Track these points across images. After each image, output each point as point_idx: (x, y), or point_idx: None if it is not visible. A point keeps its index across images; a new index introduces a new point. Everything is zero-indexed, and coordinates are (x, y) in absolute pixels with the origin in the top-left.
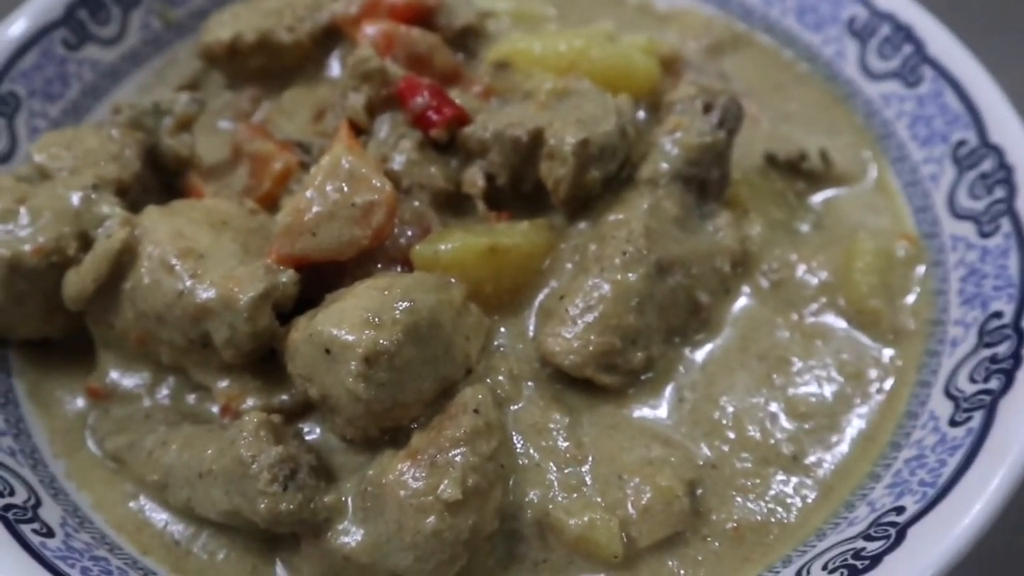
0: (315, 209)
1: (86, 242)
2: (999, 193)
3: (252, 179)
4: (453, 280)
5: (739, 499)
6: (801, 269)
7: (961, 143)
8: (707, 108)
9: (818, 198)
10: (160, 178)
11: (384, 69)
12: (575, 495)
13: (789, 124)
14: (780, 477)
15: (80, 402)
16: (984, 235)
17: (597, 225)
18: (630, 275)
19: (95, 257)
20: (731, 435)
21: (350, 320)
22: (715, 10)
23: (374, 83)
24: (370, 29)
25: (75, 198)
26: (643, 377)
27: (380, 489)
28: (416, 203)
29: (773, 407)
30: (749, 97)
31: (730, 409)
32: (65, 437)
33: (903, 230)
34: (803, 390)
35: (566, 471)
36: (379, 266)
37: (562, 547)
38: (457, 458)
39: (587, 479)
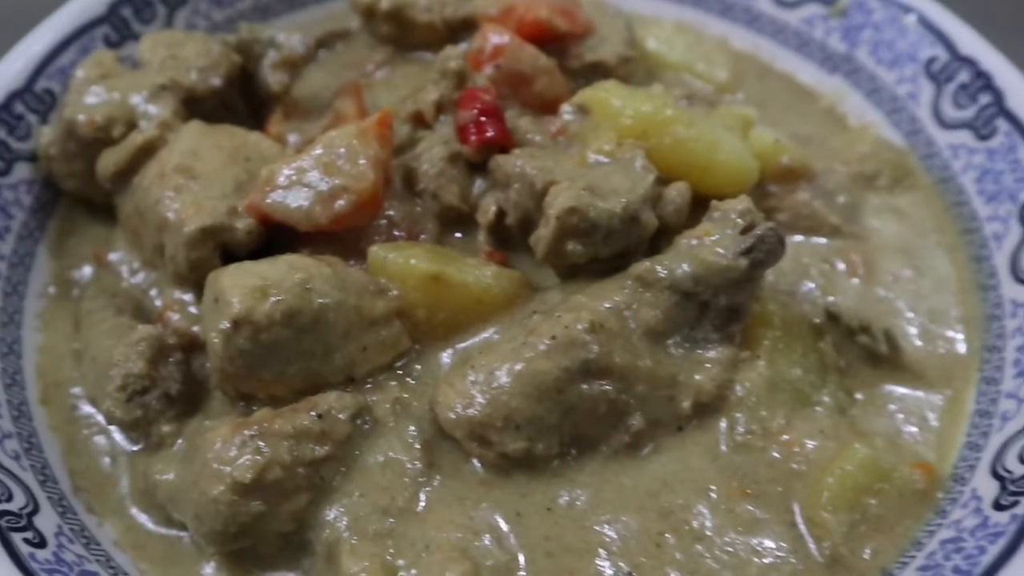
0: (294, 172)
1: (132, 129)
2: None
3: (325, 131)
4: (394, 292)
5: None
6: (779, 447)
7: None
8: (747, 229)
9: (872, 387)
10: (251, 103)
11: (462, 72)
12: (371, 542)
13: (896, 292)
14: None
15: (88, 269)
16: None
17: (566, 297)
18: (546, 363)
19: (123, 146)
20: (572, 564)
21: (246, 280)
22: (902, 139)
23: (449, 83)
24: (492, 34)
25: (142, 91)
26: (522, 467)
27: (201, 441)
28: (418, 208)
29: (636, 566)
30: (867, 245)
31: (591, 541)
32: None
33: (929, 460)
34: (686, 567)
35: (381, 516)
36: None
37: None
38: (269, 448)
39: (394, 533)
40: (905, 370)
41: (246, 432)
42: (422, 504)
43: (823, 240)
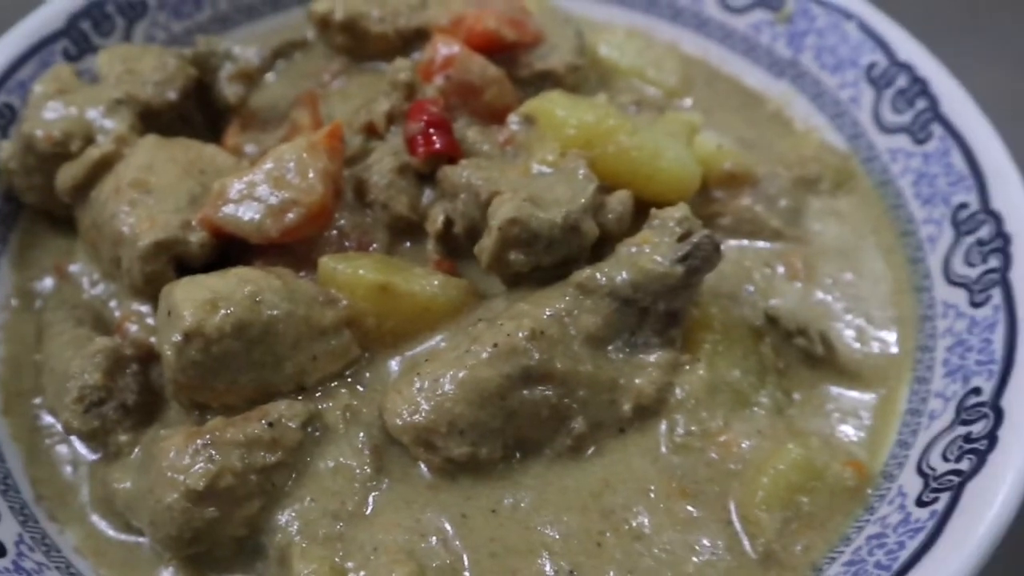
0: (245, 186)
1: (89, 144)
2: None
3: (281, 142)
4: (344, 302)
5: None
6: (716, 447)
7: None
8: (684, 236)
9: (810, 388)
10: (208, 115)
11: (412, 84)
12: (321, 545)
13: (834, 295)
14: None
15: (49, 280)
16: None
17: (509, 305)
18: (488, 370)
19: (80, 160)
20: (515, 564)
21: (197, 294)
22: (844, 143)
23: (399, 94)
24: (442, 45)
25: (99, 106)
26: (467, 471)
27: (156, 450)
28: (368, 219)
29: (577, 565)
30: (808, 248)
31: (534, 542)
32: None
33: (861, 458)
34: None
35: (332, 520)
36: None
37: None
38: (221, 456)
39: (344, 536)
40: (841, 371)
41: (199, 441)
42: (371, 508)
43: (765, 244)
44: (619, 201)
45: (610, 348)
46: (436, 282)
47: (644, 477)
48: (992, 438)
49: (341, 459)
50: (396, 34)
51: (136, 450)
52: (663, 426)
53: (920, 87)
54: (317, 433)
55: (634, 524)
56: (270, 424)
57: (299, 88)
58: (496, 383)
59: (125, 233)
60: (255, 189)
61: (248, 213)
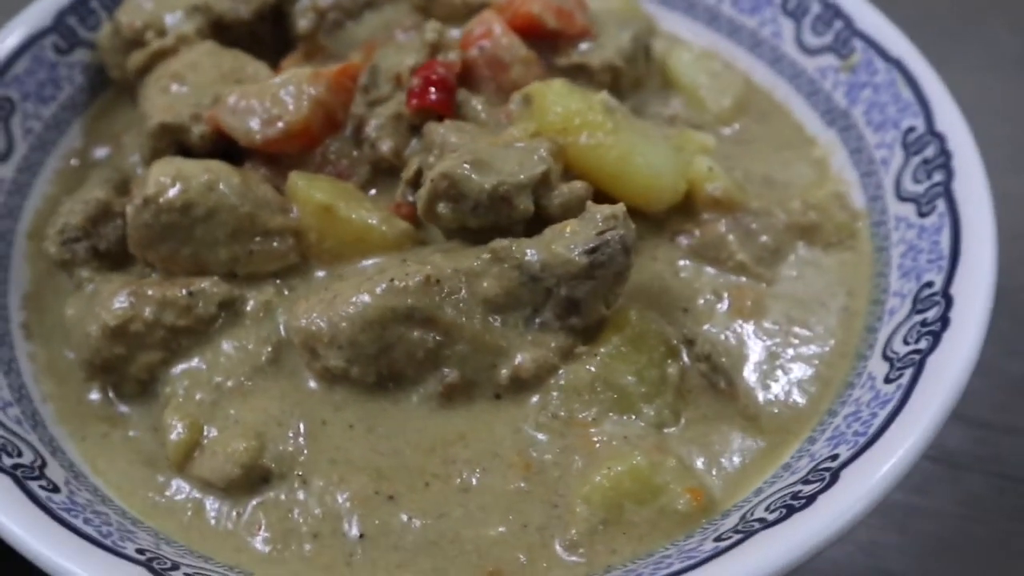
0: (250, 96)
1: (160, 37)
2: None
3: None
4: (295, 213)
5: None
6: (577, 437)
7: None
8: (602, 232)
9: (703, 416)
10: (279, 40)
11: (437, 44)
12: (195, 405)
13: (771, 339)
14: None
15: (107, 149)
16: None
17: (430, 253)
18: (377, 300)
19: (146, 48)
20: (345, 474)
21: (166, 169)
22: (864, 203)
23: (425, 52)
24: (485, 19)
25: (178, 10)
26: (345, 385)
27: (101, 289)
28: (356, 153)
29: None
30: (768, 289)
31: (372, 462)
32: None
33: (706, 489)
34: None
35: (212, 389)
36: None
37: None
38: (138, 306)
39: (216, 404)
40: (742, 411)
41: (127, 290)
42: (250, 390)
43: (726, 274)
44: (570, 190)
45: (507, 318)
46: (376, 217)
47: (499, 442)
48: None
49: (243, 343)
50: (462, 3)
51: (92, 286)
52: (535, 402)
53: (942, 160)
54: (233, 315)
55: (466, 477)
56: (190, 293)
57: (374, 36)
58: (380, 313)
59: (146, 111)
60: (255, 100)
61: (242, 118)
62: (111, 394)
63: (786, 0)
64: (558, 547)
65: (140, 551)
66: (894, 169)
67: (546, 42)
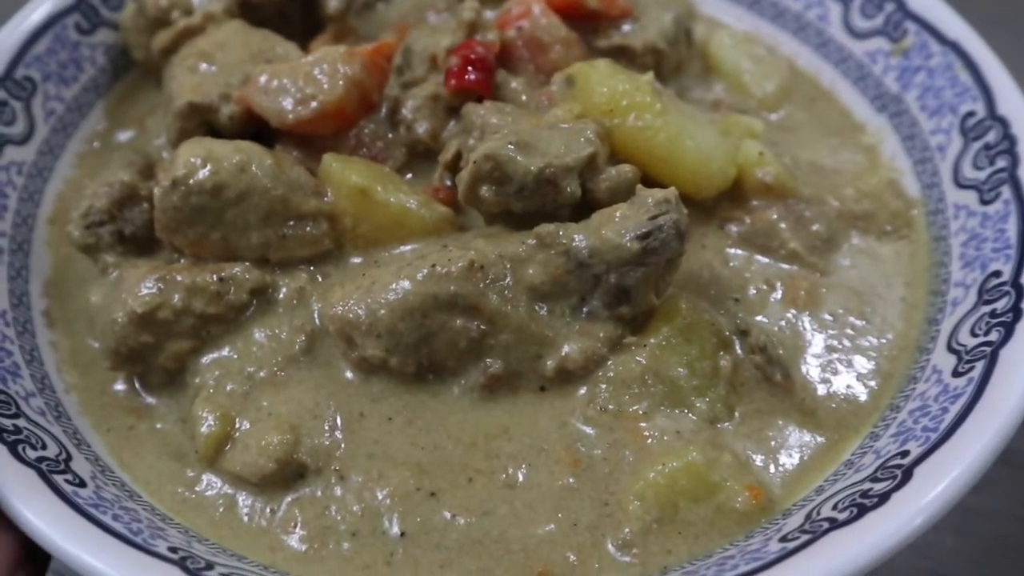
0: (282, 75)
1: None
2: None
3: None
4: (330, 197)
5: None
6: (627, 431)
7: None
8: (656, 217)
9: (759, 410)
10: (309, 20)
11: (474, 24)
12: (226, 396)
13: (828, 332)
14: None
15: (130, 133)
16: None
17: (473, 238)
18: (418, 287)
19: (172, 27)
20: (384, 469)
21: (196, 150)
22: (918, 191)
23: (462, 32)
24: (535, 1)
25: None
26: (382, 376)
27: (126, 274)
28: (392, 136)
29: (439, 490)
30: (823, 279)
31: (412, 457)
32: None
33: (766, 487)
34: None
35: (244, 379)
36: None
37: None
38: (166, 292)
39: (248, 396)
40: (799, 406)
41: (155, 275)
42: (283, 380)
43: (778, 263)
44: (619, 173)
45: (555, 306)
46: (414, 201)
47: (544, 436)
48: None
49: (276, 331)
50: None
51: (116, 272)
52: (582, 394)
53: (1007, 144)
54: (265, 302)
55: (511, 473)
56: (220, 279)
57: (405, 18)
58: (421, 300)
59: (173, 91)
60: (288, 79)
61: (275, 98)
62: (137, 385)
63: None
64: (610, 546)
65: (172, 549)
66: (952, 156)
67: (586, 23)
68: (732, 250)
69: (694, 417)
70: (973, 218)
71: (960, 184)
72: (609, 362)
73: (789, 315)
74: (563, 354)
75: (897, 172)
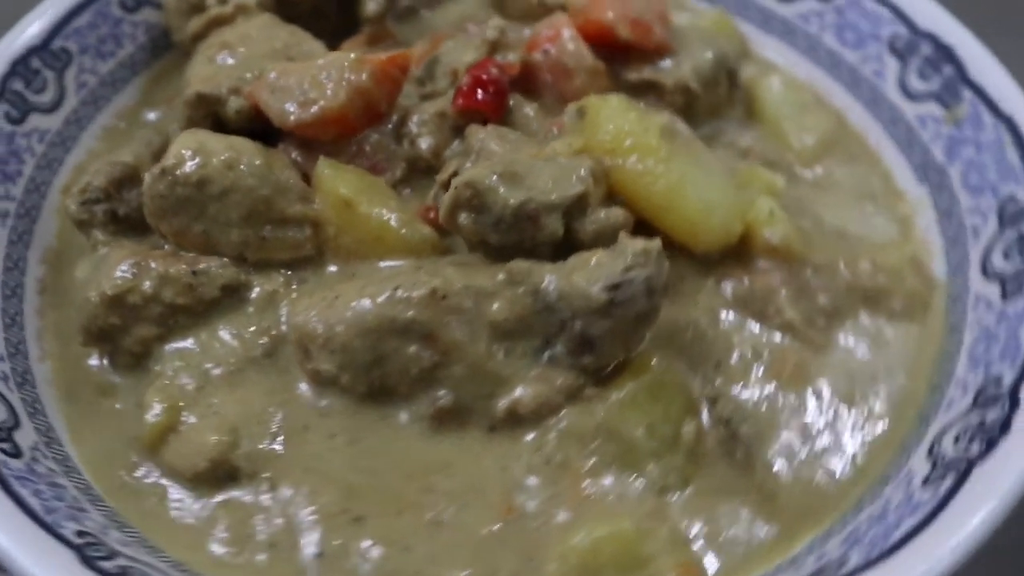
0: (291, 76)
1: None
2: None
3: None
4: (317, 204)
5: None
6: (568, 488)
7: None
8: (629, 269)
9: (714, 486)
10: (346, 19)
11: (496, 43)
12: (178, 389)
13: (808, 413)
14: None
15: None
16: (1006, 298)
17: (447, 264)
18: (378, 308)
19: (204, 15)
20: (316, 485)
21: (189, 142)
22: (945, 273)
23: (483, 50)
24: (555, 22)
25: None
26: (336, 393)
27: (111, 253)
28: (394, 148)
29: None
30: (815, 355)
31: (346, 479)
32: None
33: (699, 567)
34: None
35: (200, 375)
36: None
37: None
38: (138, 276)
39: (200, 391)
40: (758, 487)
41: (131, 259)
42: (238, 381)
43: (771, 331)
44: (608, 216)
45: (516, 346)
46: (398, 219)
47: (484, 478)
48: (1005, 424)
49: (241, 330)
50: (538, 2)
51: (104, 250)
52: (530, 439)
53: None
54: (235, 300)
55: (440, 511)
56: (194, 272)
57: (447, 27)
58: (378, 321)
59: (188, 78)
60: (295, 80)
61: (279, 98)
62: (107, 363)
63: (895, 38)
64: None
65: (81, 533)
66: (985, 240)
67: (619, 54)
68: (724, 311)
69: (643, 482)
70: (990, 313)
71: (986, 273)
72: (564, 411)
73: (770, 389)
74: (516, 396)
75: (926, 249)
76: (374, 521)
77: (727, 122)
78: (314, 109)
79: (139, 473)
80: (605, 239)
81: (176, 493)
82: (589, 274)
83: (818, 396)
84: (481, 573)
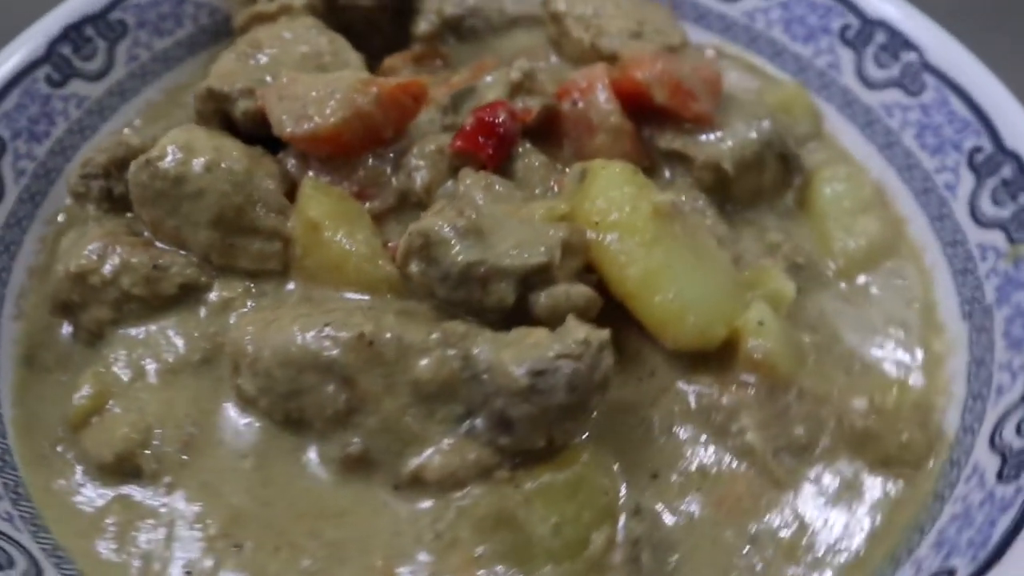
0: (299, 87)
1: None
2: None
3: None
4: (292, 222)
5: None
6: (447, 566)
7: (976, 150)
8: (559, 357)
9: None
10: (399, 31)
11: (519, 85)
12: (111, 382)
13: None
14: None
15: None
16: (1000, 479)
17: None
18: (305, 341)
19: (249, 10)
20: (208, 503)
21: (179, 138)
22: (956, 429)
23: (505, 90)
24: (589, 74)
25: None
26: (254, 413)
27: (91, 229)
28: (390, 175)
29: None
30: (776, 487)
31: (237, 504)
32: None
33: None
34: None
35: (135, 372)
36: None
37: None
38: (99, 259)
39: (130, 387)
40: None
41: (101, 242)
42: (170, 380)
43: (726, 453)
44: (569, 295)
45: (436, 410)
46: (362, 251)
47: (373, 537)
48: None
49: (188, 331)
50: (592, 47)
51: (90, 225)
52: (428, 508)
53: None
54: (190, 301)
55: (318, 560)
56: (155, 266)
57: (509, 55)
58: (301, 354)
59: (210, 70)
60: (301, 91)
61: (282, 107)
62: (71, 334)
63: (977, 150)
64: None
65: None
66: (1004, 404)
67: (656, 117)
68: (682, 420)
69: None
70: (980, 491)
71: (993, 444)
72: (469, 488)
73: (704, 517)
74: (424, 460)
75: (943, 399)
76: (250, 553)
77: (769, 210)
78: (308, 125)
79: (59, 448)
80: (559, 318)
81: (81, 476)
82: (521, 353)
83: (755, 540)
84: None
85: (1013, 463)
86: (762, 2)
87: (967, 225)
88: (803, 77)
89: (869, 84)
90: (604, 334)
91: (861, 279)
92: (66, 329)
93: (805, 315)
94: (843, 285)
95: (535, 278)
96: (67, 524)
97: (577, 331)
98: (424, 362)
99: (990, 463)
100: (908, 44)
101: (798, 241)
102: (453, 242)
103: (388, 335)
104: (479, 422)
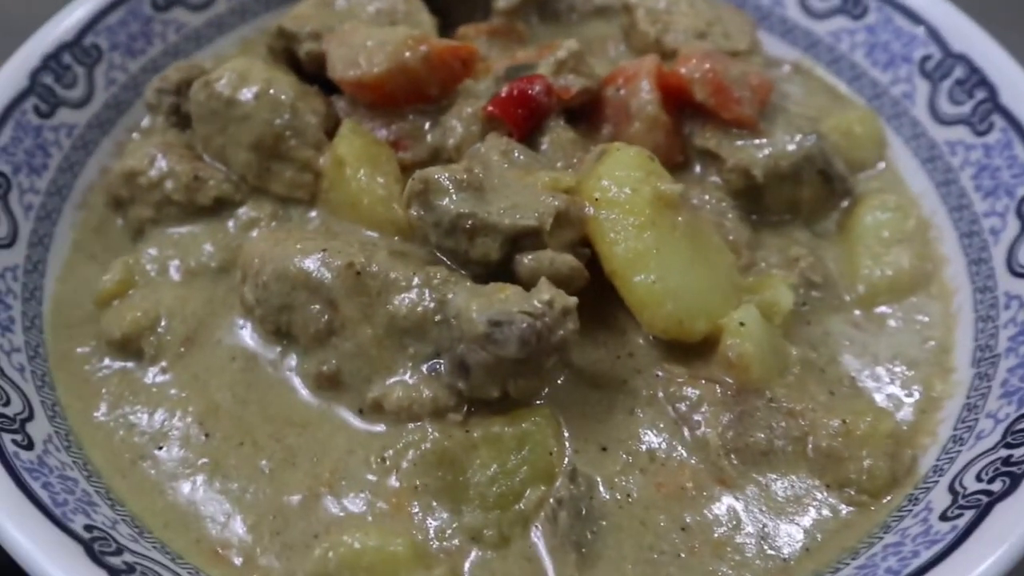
0: (355, 35)
1: None
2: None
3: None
4: (326, 157)
5: None
6: (384, 492)
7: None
8: (520, 313)
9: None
10: (488, 4)
11: (563, 64)
12: (140, 272)
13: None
14: None
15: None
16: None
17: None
18: (302, 260)
19: None
20: (195, 394)
21: (240, 66)
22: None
23: (552, 68)
24: (638, 65)
25: None
26: (255, 324)
27: (149, 139)
28: (428, 130)
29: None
30: (731, 489)
31: (227, 410)
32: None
33: None
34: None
35: (163, 264)
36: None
37: None
38: (148, 163)
39: (152, 282)
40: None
41: (154, 148)
42: (188, 280)
43: (679, 443)
44: (554, 261)
45: (408, 345)
46: (377, 191)
47: (328, 451)
48: None
49: (213, 239)
50: (656, 42)
51: (156, 136)
52: (381, 433)
53: None
54: (223, 212)
55: (274, 461)
56: (196, 177)
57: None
58: (295, 272)
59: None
60: (357, 39)
61: (338, 51)
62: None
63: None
64: (281, 568)
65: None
66: (978, 449)
67: (699, 115)
68: (646, 403)
69: (455, 524)
70: (920, 526)
71: (952, 486)
72: (421, 423)
73: (641, 497)
74: (386, 390)
75: (928, 440)
76: (216, 443)
77: (804, 226)
78: (354, 72)
79: (83, 322)
80: (534, 277)
81: (93, 350)
82: (488, 303)
83: (686, 530)
84: (266, 529)
85: (960, 503)
86: (850, 23)
87: (1001, 272)
88: (877, 104)
89: (939, 119)
90: (570, 300)
91: (880, 309)
92: (118, 223)
93: (807, 332)
94: (858, 312)
95: (525, 240)
96: (70, 387)
97: (544, 292)
98: (402, 298)
99: (942, 502)
100: (984, 83)
101: (822, 260)
102: (450, 191)
103: (375, 268)
104: (443, 364)
